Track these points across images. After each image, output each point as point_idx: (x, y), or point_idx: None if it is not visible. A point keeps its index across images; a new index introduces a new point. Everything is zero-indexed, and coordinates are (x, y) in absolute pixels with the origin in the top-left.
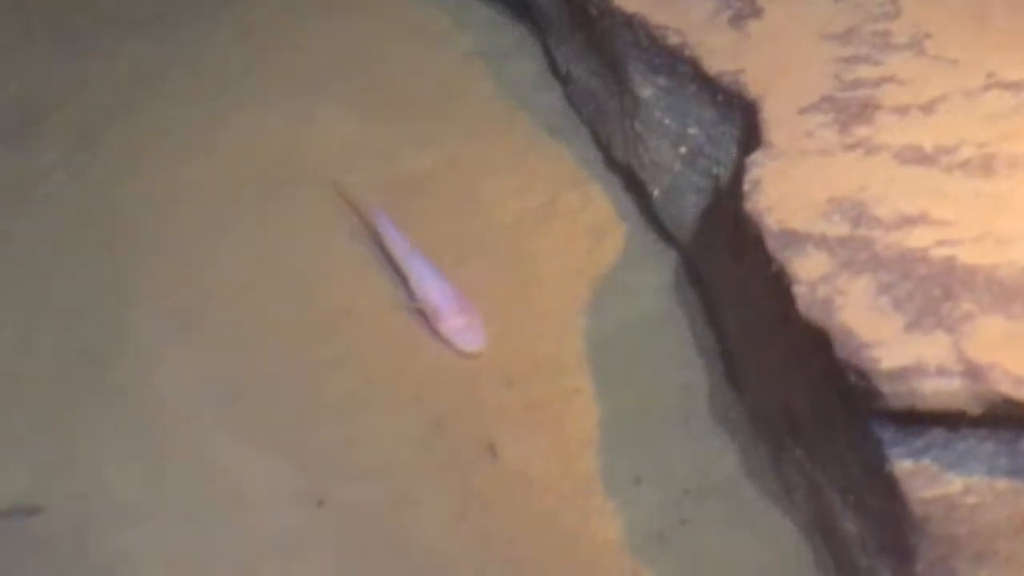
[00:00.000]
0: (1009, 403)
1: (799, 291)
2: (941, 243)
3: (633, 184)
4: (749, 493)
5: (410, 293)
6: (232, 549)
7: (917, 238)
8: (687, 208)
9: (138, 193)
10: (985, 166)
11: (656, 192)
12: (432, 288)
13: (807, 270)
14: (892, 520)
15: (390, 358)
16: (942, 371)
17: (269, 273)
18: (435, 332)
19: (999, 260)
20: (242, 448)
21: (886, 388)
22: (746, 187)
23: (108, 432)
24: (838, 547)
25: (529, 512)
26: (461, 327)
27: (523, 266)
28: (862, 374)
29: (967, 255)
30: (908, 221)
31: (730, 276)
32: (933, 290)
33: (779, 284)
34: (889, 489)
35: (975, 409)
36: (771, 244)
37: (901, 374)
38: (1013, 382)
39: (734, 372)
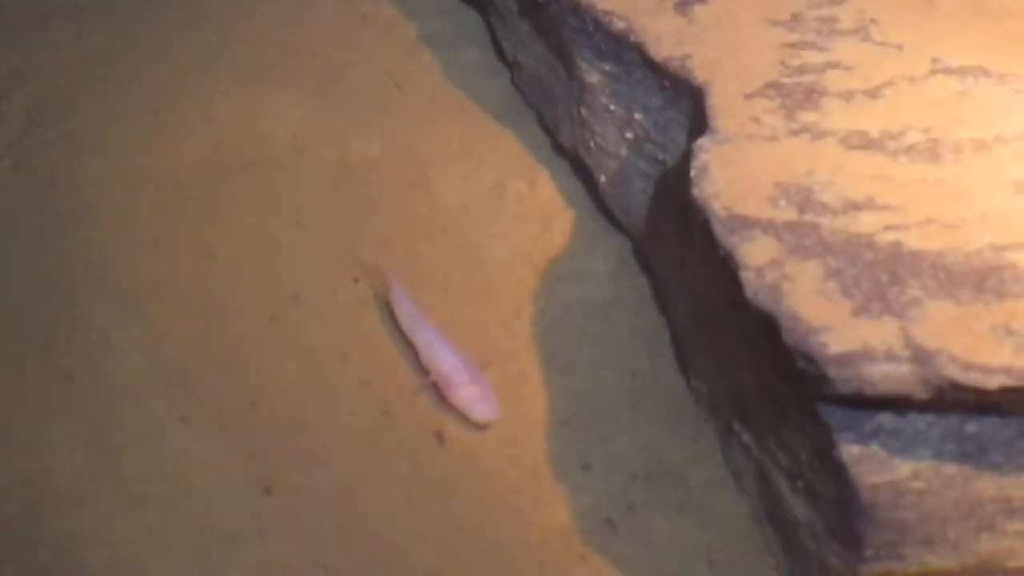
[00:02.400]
0: (956, 388)
1: (747, 276)
2: (888, 228)
3: (580, 170)
4: (698, 478)
5: (420, 366)
6: (181, 535)
7: (864, 223)
8: (634, 194)
9: (87, 180)
10: (931, 151)
11: (603, 178)
12: (442, 358)
13: (754, 256)
14: (840, 505)
15: (338, 344)
16: (890, 356)
17: (219, 260)
18: (448, 401)
19: (945, 245)
20: (191, 434)
21: (834, 373)
22: (693, 173)
23: (56, 418)
24: (787, 532)
25: (478, 498)
26: (475, 396)
27: (472, 252)
28: (810, 359)
29: (914, 240)
30: (855, 206)
31: (678, 262)
32: (880, 275)
33: (727, 270)
34: (837, 474)
35: (923, 394)
36: (718, 230)
37: (849, 359)
38: (960, 367)
39: (683, 358)
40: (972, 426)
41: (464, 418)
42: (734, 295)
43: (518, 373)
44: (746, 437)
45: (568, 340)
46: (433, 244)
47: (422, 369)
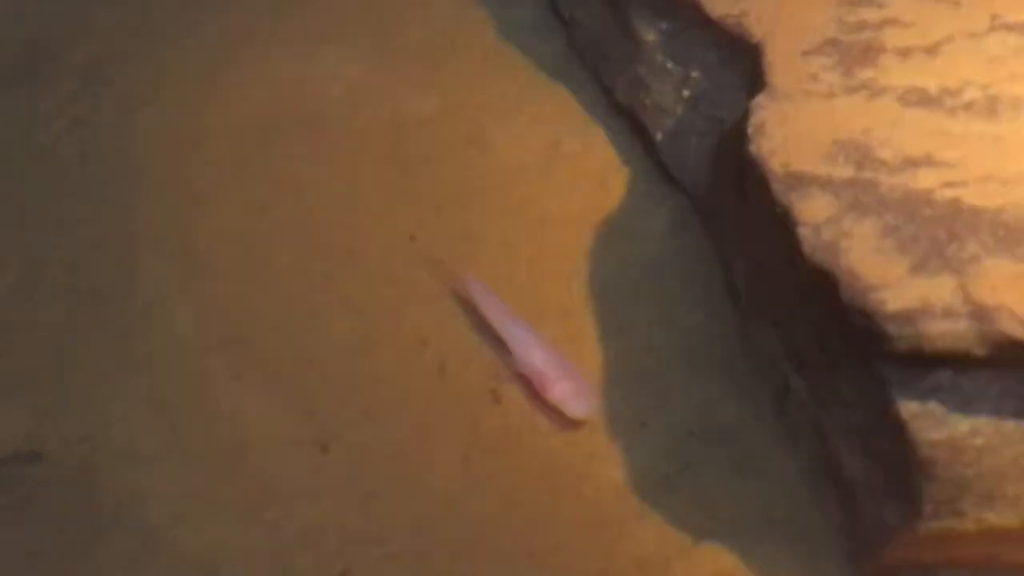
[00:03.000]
0: (1015, 345)
1: (804, 234)
2: (946, 185)
3: (636, 128)
4: (754, 436)
5: (511, 361)
6: (236, 493)
7: (922, 180)
8: (691, 152)
9: (142, 138)
10: (989, 108)
11: (659, 136)
12: (536, 354)
13: (812, 213)
14: (898, 463)
15: (394, 301)
16: (948, 313)
17: (273, 216)
18: (541, 398)
19: (1004, 201)
20: (246, 392)
21: (892, 330)
22: (750, 130)
23: (112, 376)
24: (844, 490)
25: (534, 456)
26: (570, 393)
27: (527, 210)
28: (868, 316)
29: (972, 197)
30: (913, 163)
31: (735, 220)
32: (938, 232)
33: (784, 227)
34: (895, 431)
35: (981, 351)
36: (776, 187)
37: (907, 316)
38: (1020, 323)
39: (740, 315)
40: None
41: (560, 415)
42: (791, 253)
43: (574, 330)
44: (803, 394)
45: (624, 298)
46: (488, 202)
47: (514, 364)
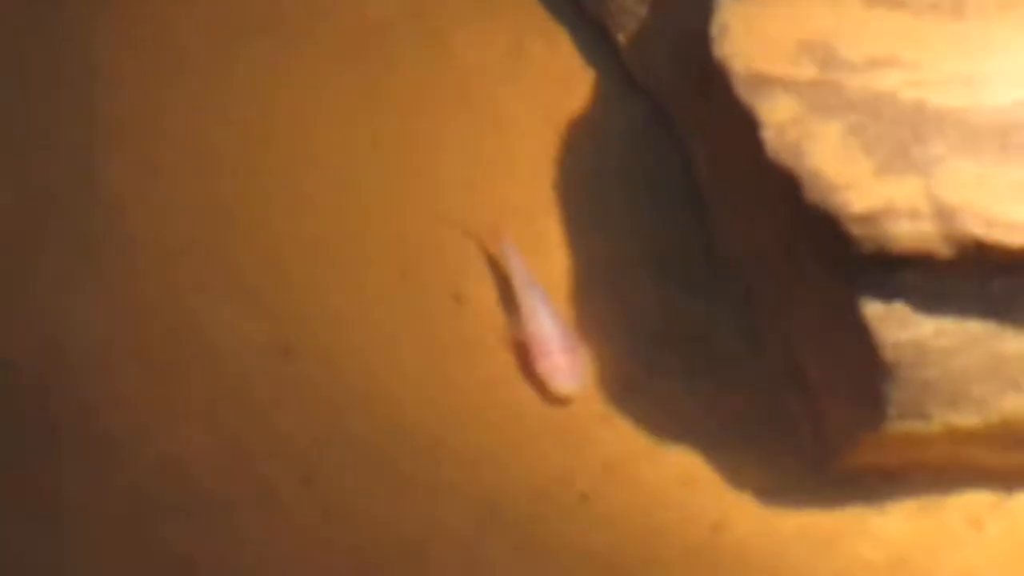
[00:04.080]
0: (980, 245)
1: (767, 135)
2: (911, 85)
3: (601, 31)
4: (718, 339)
5: (517, 325)
6: (201, 401)
7: (887, 80)
8: (655, 54)
9: (101, 41)
10: (955, 8)
11: (624, 38)
12: (541, 323)
13: (775, 114)
14: (863, 365)
15: (356, 205)
16: (913, 213)
17: (235, 122)
18: (532, 367)
19: (969, 102)
20: (209, 299)
21: (856, 231)
22: (714, 31)
23: (72, 284)
24: (808, 394)
25: (498, 359)
26: (560, 367)
27: (490, 113)
28: (832, 218)
29: (937, 97)
30: (877, 63)
31: (699, 123)
32: (903, 133)
33: (748, 129)
34: (860, 333)
35: (946, 252)
36: (739, 88)
37: (872, 217)
38: (984, 224)
39: (704, 219)
40: (997, 284)
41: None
42: (755, 154)
43: (537, 235)
44: (767, 297)
45: (588, 201)
46: (450, 104)
47: (515, 328)
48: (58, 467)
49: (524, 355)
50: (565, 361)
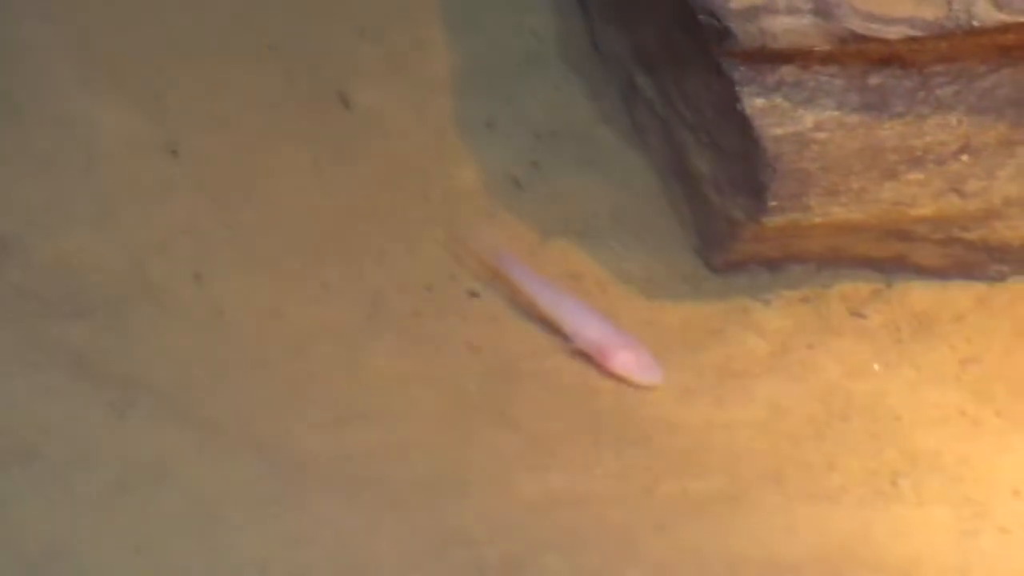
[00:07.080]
0: (858, 39)
1: None
2: None
3: None
4: (602, 136)
5: (566, 339)
6: (90, 200)
7: None
8: None
9: None
10: None
11: None
12: (593, 327)
13: None
14: (744, 158)
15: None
16: (792, 9)
17: None
18: (605, 368)
19: None
20: (95, 98)
21: (737, 27)
22: None
23: None
24: (691, 187)
25: (384, 159)
26: (634, 362)
27: None
28: (712, 13)
29: None
30: None
31: None
32: None
33: None
34: (741, 127)
35: (825, 46)
36: None
37: (752, 12)
38: (862, 18)
39: (587, 16)
40: (874, 78)
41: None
42: None
43: (421, 36)
44: (650, 93)
45: (470, 1)
46: None
47: (570, 342)
48: None
49: (589, 360)
50: (633, 357)
